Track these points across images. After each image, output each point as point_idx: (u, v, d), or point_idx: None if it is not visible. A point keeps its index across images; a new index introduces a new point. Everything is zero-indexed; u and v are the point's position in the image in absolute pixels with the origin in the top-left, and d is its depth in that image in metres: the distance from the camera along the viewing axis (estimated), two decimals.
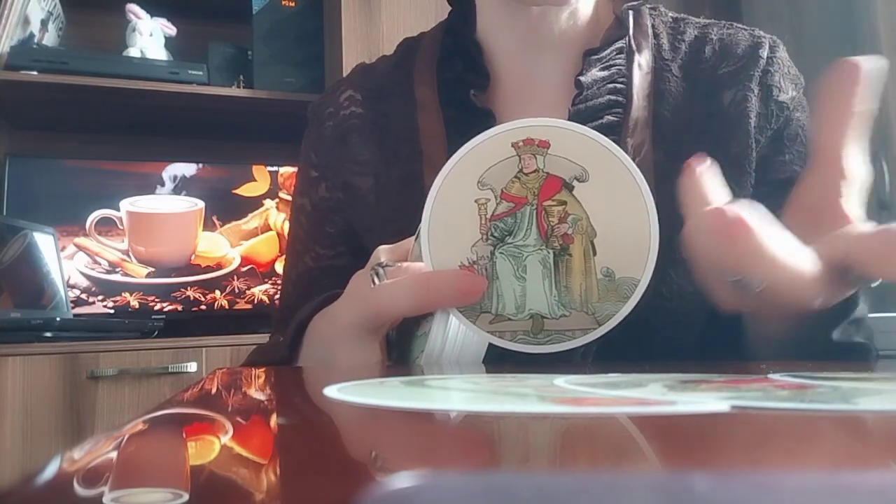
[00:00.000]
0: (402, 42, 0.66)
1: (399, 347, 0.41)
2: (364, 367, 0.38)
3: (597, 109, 0.54)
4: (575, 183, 0.35)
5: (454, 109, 0.57)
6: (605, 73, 0.56)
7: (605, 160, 0.35)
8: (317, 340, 0.45)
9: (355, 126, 0.61)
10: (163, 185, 1.75)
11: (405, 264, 0.39)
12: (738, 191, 0.53)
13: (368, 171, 0.59)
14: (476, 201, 0.35)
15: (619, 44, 0.57)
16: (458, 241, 0.36)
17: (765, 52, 0.57)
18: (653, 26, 0.60)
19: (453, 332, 0.37)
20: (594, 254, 0.35)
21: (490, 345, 0.38)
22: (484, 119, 0.55)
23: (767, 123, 0.55)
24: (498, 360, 0.40)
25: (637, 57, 0.57)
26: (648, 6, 0.61)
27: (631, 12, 0.59)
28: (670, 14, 0.62)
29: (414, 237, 0.40)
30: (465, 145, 0.35)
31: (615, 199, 0.35)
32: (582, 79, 0.55)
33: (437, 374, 0.33)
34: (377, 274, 0.39)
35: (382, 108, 0.61)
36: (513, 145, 0.35)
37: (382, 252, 0.42)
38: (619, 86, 0.55)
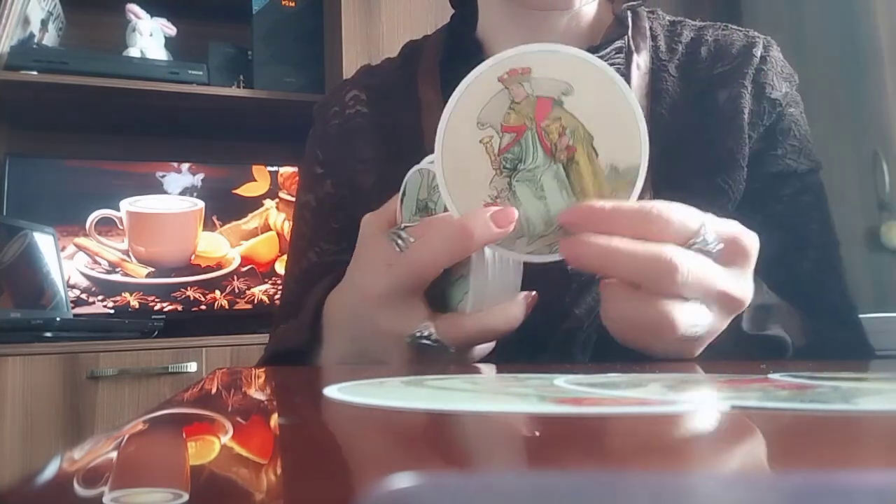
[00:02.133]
0: (406, 45, 0.67)
1: (433, 298, 0.41)
2: (371, 366, 0.38)
3: None
4: (563, 98, 0.37)
5: None
6: None
7: (583, 70, 0.37)
8: (345, 318, 0.45)
9: (360, 125, 0.62)
10: (164, 184, 1.75)
11: (427, 219, 0.40)
12: (732, 186, 0.54)
13: (372, 169, 0.60)
14: (481, 141, 0.37)
15: (618, 43, 0.58)
16: (476, 182, 0.37)
17: (758, 52, 0.58)
18: (650, 28, 0.61)
19: (492, 266, 0.39)
20: (597, 155, 0.37)
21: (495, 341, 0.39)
22: None
23: (759, 120, 0.56)
24: (502, 354, 0.40)
25: (635, 57, 0.58)
26: (647, 10, 0.62)
27: (630, 14, 0.60)
28: (667, 17, 0.63)
29: (399, 197, 0.42)
30: (455, 92, 0.37)
31: (600, 100, 0.37)
32: None
33: (437, 374, 0.33)
34: (400, 237, 0.39)
35: (386, 108, 0.61)
36: (499, 80, 0.37)
37: (368, 221, 0.43)
38: None
